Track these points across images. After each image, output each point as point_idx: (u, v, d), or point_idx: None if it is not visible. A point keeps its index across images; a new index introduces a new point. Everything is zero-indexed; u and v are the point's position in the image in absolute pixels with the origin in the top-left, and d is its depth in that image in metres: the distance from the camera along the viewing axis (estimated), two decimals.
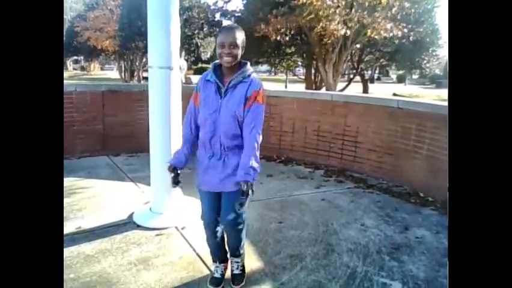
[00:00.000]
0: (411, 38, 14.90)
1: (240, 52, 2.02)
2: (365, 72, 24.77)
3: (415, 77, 42.27)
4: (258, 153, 2.09)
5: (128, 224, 3.24)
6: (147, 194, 3.80)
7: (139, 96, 5.55)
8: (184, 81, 3.59)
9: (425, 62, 19.99)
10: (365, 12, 11.40)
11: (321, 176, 4.83)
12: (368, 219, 3.51)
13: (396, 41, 16.17)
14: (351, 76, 21.83)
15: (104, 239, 2.97)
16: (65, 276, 2.40)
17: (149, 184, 3.54)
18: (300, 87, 18.73)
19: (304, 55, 17.42)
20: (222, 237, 2.37)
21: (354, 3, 11.53)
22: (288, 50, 18.25)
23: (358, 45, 16.03)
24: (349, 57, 17.24)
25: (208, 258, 2.57)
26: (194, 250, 2.83)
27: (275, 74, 42.50)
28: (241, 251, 2.40)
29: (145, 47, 4.69)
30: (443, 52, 21.26)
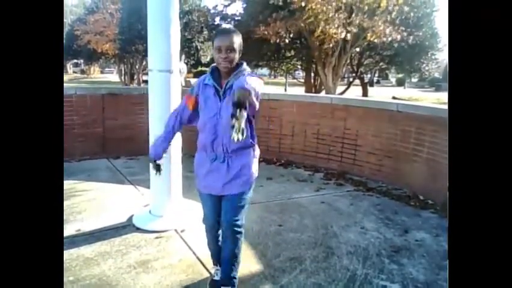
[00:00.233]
0: (410, 42, 14.95)
1: (237, 56, 2.01)
2: (365, 75, 24.82)
3: (414, 80, 42.38)
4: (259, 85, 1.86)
5: (127, 227, 3.24)
6: (147, 197, 3.80)
7: (138, 100, 5.56)
8: (184, 84, 3.60)
9: (424, 65, 20.06)
10: (365, 16, 11.43)
11: (320, 179, 4.84)
12: (367, 222, 3.51)
13: (396, 45, 16.22)
14: (351, 79, 21.85)
15: (103, 241, 2.97)
16: (64, 279, 2.39)
17: (148, 187, 3.54)
18: (300, 91, 18.75)
19: (304, 58, 17.47)
20: None
21: (354, 7, 11.56)
22: (288, 54, 18.31)
23: (357, 49, 16.07)
24: (348, 61, 17.29)
25: (208, 261, 2.57)
26: (194, 253, 2.83)
27: (275, 77, 42.59)
28: (235, 277, 2.26)
29: (145, 50, 4.70)
30: (442, 55, 21.36)
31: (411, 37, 13.95)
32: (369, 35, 12.02)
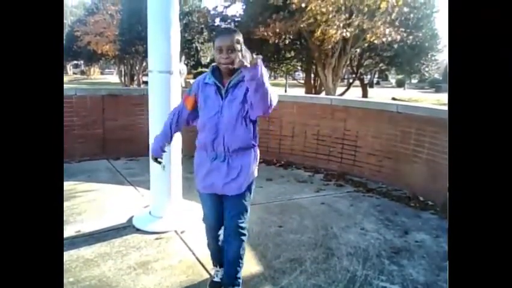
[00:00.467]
0: (410, 43, 14.97)
1: (238, 55, 2.01)
2: (364, 76, 24.86)
3: (414, 81, 42.46)
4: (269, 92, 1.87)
5: (127, 228, 3.24)
6: (147, 198, 3.80)
7: (138, 101, 5.56)
8: (184, 85, 3.60)
9: (424, 66, 20.10)
10: (365, 17, 11.44)
11: (320, 180, 4.83)
12: (367, 223, 3.51)
13: (396, 46, 16.25)
14: (351, 80, 21.87)
15: (103, 242, 2.96)
16: (64, 280, 2.39)
17: (148, 188, 3.54)
18: (300, 92, 18.77)
19: (304, 59, 17.47)
20: (223, 241, 2.36)
21: (354, 8, 11.57)
22: (288, 55, 18.32)
23: (357, 50, 16.09)
24: (348, 62, 17.29)
25: (208, 262, 2.57)
26: (193, 254, 2.83)
27: (275, 78, 42.62)
28: (239, 278, 2.26)
29: (145, 51, 4.70)
30: (442, 56, 21.41)
31: (411, 38, 13.97)
32: (368, 36, 12.03)
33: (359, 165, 4.98)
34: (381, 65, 21.51)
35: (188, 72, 20.48)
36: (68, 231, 3.12)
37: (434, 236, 3.29)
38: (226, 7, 15.86)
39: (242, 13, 16.27)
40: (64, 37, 24.49)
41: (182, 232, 3.17)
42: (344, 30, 11.09)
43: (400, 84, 41.18)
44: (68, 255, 2.73)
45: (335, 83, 14.37)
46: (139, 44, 19.80)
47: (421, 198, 4.14)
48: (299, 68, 21.42)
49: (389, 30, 11.82)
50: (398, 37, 12.28)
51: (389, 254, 2.94)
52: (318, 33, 11.32)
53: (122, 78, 27.64)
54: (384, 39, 12.13)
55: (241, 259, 2.23)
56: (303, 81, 21.40)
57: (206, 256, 2.62)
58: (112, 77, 40.90)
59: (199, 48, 23.00)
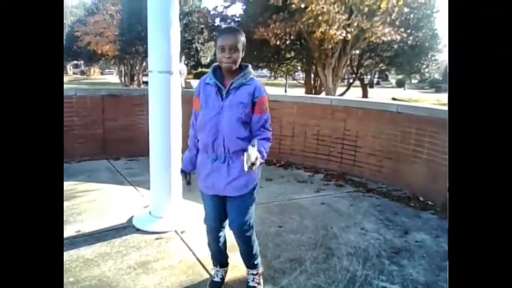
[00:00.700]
0: (410, 43, 14.96)
1: (240, 55, 2.00)
2: (365, 76, 24.85)
3: (414, 81, 42.45)
4: (267, 146, 2.11)
5: (127, 228, 3.24)
6: (147, 198, 3.80)
7: (139, 101, 5.56)
8: (184, 85, 3.60)
9: (424, 66, 20.08)
10: (365, 17, 11.44)
11: (320, 180, 4.84)
12: (367, 223, 3.51)
13: (396, 46, 16.24)
14: (351, 81, 21.86)
15: (103, 242, 2.97)
16: (64, 280, 2.39)
17: (148, 188, 3.54)
18: (300, 92, 18.76)
19: (304, 60, 17.46)
20: (224, 242, 2.36)
21: (354, 8, 11.57)
22: (288, 55, 18.29)
23: (357, 50, 16.08)
24: (348, 62, 17.28)
25: (208, 262, 2.57)
26: (194, 254, 2.83)
27: (275, 78, 42.63)
28: (256, 261, 2.34)
29: (145, 51, 4.71)
30: (442, 57, 21.39)
31: (411, 38, 13.97)
32: (368, 35, 12.03)
33: (359, 165, 4.98)
34: (381, 65, 21.49)
35: (188, 73, 20.44)
36: (68, 231, 3.12)
37: (434, 236, 3.29)
38: (226, 7, 15.85)
39: (242, 13, 16.26)
40: (64, 37, 24.50)
41: (182, 232, 3.17)
42: (344, 31, 11.09)
43: (400, 84, 41.17)
44: (68, 255, 2.73)
45: (335, 83, 14.37)
46: (139, 44, 19.79)
47: (421, 198, 4.14)
48: (299, 68, 21.40)
49: (389, 30, 11.83)
50: (398, 37, 12.28)
51: (389, 254, 2.94)
52: (318, 33, 11.31)
53: (122, 79, 27.63)
54: (384, 38, 12.13)
55: (252, 249, 2.28)
56: (303, 82, 21.38)
57: (206, 256, 2.62)
58: (112, 77, 40.89)
59: (199, 49, 22.99)
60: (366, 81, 25.03)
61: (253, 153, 1.90)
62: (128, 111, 5.65)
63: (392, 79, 45.98)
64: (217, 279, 2.39)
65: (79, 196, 3.96)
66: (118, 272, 2.57)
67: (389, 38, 12.11)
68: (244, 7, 15.98)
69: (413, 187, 4.32)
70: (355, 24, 11.29)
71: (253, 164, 1.90)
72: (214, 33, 17.95)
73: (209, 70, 2.12)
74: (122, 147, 5.54)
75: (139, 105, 5.54)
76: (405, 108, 4.64)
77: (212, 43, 23.07)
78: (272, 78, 42.44)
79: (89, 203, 3.80)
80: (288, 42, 13.28)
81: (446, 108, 4.16)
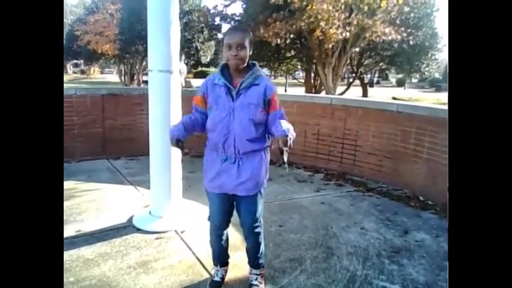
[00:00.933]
0: (410, 42, 14.95)
1: (247, 53, 1.99)
2: (365, 76, 24.84)
3: (414, 80, 42.39)
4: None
5: (127, 228, 3.24)
6: (147, 198, 3.80)
7: (138, 100, 5.56)
8: (184, 84, 3.60)
9: (424, 65, 20.08)
10: (365, 16, 11.44)
11: (320, 180, 4.84)
12: (367, 223, 3.51)
13: (396, 45, 16.23)
14: (351, 80, 21.86)
15: (103, 242, 2.97)
16: (64, 280, 2.39)
17: (149, 188, 3.54)
18: (300, 91, 18.76)
19: (304, 59, 17.45)
20: (227, 241, 2.36)
21: (354, 7, 11.56)
22: (288, 54, 18.30)
23: (357, 49, 16.07)
24: (348, 61, 17.29)
25: (208, 262, 2.57)
26: (194, 254, 2.83)
27: (275, 77, 42.58)
28: (261, 261, 2.36)
29: (145, 50, 4.70)
30: (442, 56, 21.39)
31: (411, 37, 13.96)
32: (368, 34, 12.02)
33: (359, 165, 4.98)
34: (381, 64, 21.50)
35: (188, 72, 20.47)
36: (68, 230, 3.12)
37: (434, 236, 3.29)
38: (226, 6, 15.83)
39: (242, 12, 16.25)
40: (64, 36, 24.49)
41: (182, 232, 3.17)
42: (344, 30, 11.09)
43: (400, 83, 41.15)
44: (68, 255, 2.73)
45: (335, 82, 14.38)
46: (139, 43, 19.80)
47: (421, 198, 4.14)
48: (299, 67, 21.40)
49: (389, 29, 11.82)
50: (398, 36, 12.28)
51: (389, 253, 2.94)
52: (317, 32, 11.31)
53: (122, 78, 27.64)
54: (384, 37, 12.13)
55: (259, 246, 2.30)
56: (303, 81, 21.39)
57: (206, 256, 2.62)
58: (112, 76, 40.88)
59: (199, 48, 22.99)
60: (366, 81, 25.03)
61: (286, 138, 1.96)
62: (128, 110, 5.64)
63: (392, 78, 45.98)
64: (217, 278, 2.39)
65: (79, 196, 3.96)
66: (118, 271, 2.57)
67: (389, 38, 12.11)
68: (244, 6, 15.97)
69: (413, 187, 4.32)
70: (355, 22, 11.29)
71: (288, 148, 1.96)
72: (214, 32, 17.94)
73: (217, 70, 2.10)
74: (122, 147, 5.53)
75: (139, 105, 5.54)
76: (406, 107, 4.64)
77: (212, 42, 23.08)
78: (272, 77, 42.40)
79: (89, 202, 3.80)
80: (288, 41, 13.28)
81: (446, 107, 4.16)
